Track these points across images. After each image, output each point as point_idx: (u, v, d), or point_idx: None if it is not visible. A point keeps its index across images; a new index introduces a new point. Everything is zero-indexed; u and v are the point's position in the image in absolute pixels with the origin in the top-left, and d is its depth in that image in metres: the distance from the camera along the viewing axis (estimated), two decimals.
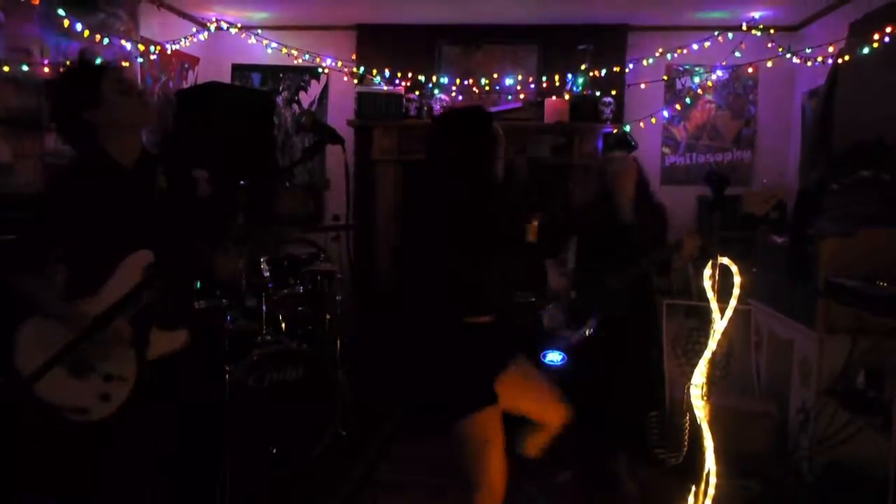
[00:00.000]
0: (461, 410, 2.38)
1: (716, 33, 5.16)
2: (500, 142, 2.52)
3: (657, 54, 5.23)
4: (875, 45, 3.95)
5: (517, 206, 2.68)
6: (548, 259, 3.50)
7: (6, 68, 3.50)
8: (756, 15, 5.00)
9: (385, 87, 5.39)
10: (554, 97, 5.27)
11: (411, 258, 2.66)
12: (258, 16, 5.40)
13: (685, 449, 3.52)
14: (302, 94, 5.80)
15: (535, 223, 2.61)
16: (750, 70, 5.29)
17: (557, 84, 5.28)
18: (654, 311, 3.91)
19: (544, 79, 5.32)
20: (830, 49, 4.49)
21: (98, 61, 2.42)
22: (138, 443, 2.31)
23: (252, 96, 5.14)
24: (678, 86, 5.49)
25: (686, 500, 2.39)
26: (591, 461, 3.59)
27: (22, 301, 2.17)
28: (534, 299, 4.15)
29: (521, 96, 5.40)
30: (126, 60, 4.54)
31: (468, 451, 2.39)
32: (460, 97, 5.46)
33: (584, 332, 3.34)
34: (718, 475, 2.35)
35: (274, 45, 5.49)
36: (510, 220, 2.60)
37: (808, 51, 4.82)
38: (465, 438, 2.38)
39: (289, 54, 5.50)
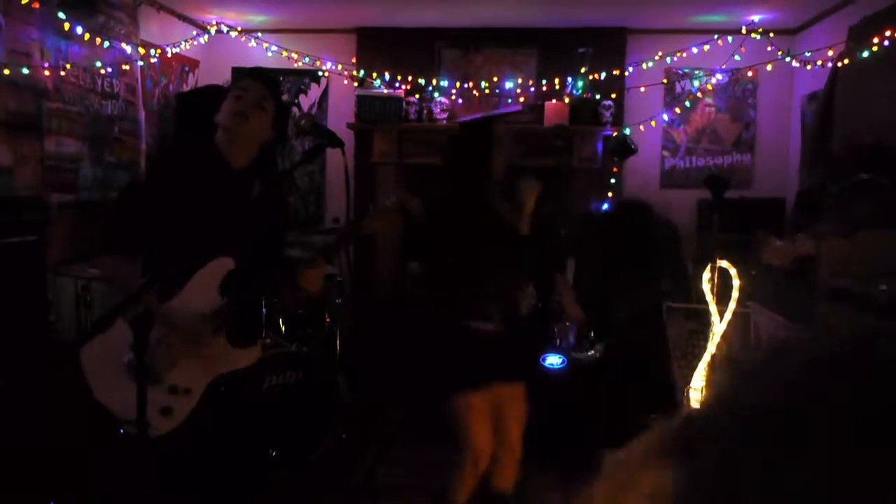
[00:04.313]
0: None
1: (715, 37, 5.17)
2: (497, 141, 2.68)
3: (657, 58, 5.23)
4: (874, 48, 3.95)
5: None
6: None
7: (6, 71, 3.50)
8: (755, 18, 5.00)
9: (385, 91, 5.39)
10: (554, 100, 5.27)
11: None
12: (258, 19, 5.41)
13: None
14: (302, 98, 5.80)
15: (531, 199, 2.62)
16: (749, 73, 5.30)
17: (557, 87, 5.28)
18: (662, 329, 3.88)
19: (544, 82, 5.32)
20: (830, 53, 4.49)
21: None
22: (194, 463, 2.20)
23: None
24: (678, 89, 5.49)
25: None
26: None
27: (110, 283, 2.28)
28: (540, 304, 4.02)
29: (521, 100, 5.40)
30: (126, 64, 4.55)
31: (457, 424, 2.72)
32: (460, 100, 5.46)
33: (589, 353, 3.30)
34: None
35: (274, 48, 5.49)
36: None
37: (807, 54, 4.82)
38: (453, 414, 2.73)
39: (289, 57, 5.51)
